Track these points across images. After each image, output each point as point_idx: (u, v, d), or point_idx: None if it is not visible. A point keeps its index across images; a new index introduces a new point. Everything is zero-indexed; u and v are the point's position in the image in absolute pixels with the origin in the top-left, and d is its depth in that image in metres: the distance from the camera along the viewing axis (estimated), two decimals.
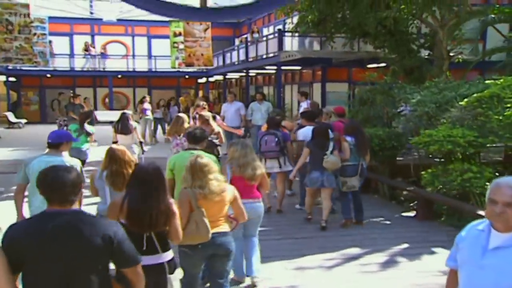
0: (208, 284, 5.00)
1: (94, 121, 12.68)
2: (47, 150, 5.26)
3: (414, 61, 14.39)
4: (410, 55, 14.52)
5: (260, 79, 26.09)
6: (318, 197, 8.17)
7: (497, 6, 11.96)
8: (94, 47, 30.02)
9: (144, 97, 19.16)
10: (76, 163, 5.04)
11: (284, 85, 22.07)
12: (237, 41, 28.46)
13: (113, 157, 5.02)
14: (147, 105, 18.66)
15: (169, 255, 3.82)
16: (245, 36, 29.89)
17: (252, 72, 23.59)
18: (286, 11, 15.82)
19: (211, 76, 28.97)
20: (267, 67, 20.60)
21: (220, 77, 27.98)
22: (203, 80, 31.16)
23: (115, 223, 3.05)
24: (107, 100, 30.91)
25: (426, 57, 14.98)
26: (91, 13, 28.97)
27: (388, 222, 8.22)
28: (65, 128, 15.17)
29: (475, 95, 8.73)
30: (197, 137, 5.79)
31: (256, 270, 5.52)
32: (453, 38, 14.21)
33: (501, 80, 8.84)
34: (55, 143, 5.23)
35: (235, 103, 14.48)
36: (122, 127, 10.22)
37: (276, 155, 8.46)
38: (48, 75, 29.32)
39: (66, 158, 5.14)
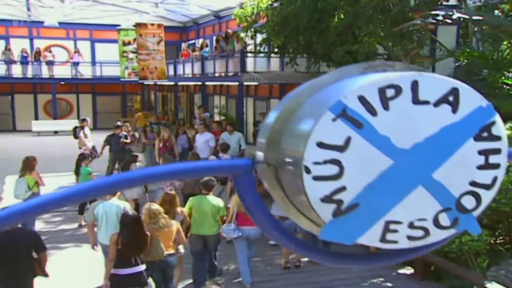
0: None
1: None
2: (108, 196, 7.22)
3: None
4: None
5: (216, 88, 25.23)
6: None
7: (468, 50, 12.29)
8: (50, 52, 28.50)
9: (146, 126, 15.97)
10: (126, 205, 7.36)
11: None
12: (183, 46, 27.60)
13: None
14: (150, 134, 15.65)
15: (143, 266, 6.24)
16: (192, 42, 28.99)
17: (209, 83, 22.88)
18: (245, 29, 15.82)
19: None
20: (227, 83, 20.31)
21: (171, 82, 26.68)
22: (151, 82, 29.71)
23: (35, 232, 6.36)
24: (48, 107, 29.49)
25: None
26: (29, 15, 27.23)
27: (389, 285, 8.37)
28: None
29: None
30: (208, 185, 7.75)
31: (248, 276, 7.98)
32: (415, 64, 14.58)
33: None
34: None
35: (205, 134, 14.19)
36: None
37: None
38: None
39: (119, 202, 7.29)
